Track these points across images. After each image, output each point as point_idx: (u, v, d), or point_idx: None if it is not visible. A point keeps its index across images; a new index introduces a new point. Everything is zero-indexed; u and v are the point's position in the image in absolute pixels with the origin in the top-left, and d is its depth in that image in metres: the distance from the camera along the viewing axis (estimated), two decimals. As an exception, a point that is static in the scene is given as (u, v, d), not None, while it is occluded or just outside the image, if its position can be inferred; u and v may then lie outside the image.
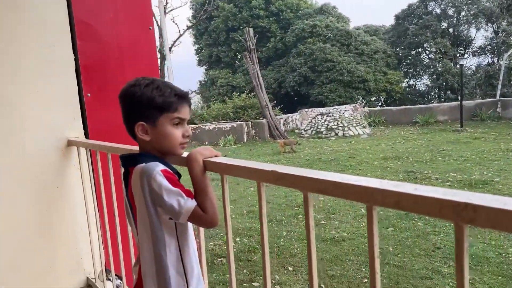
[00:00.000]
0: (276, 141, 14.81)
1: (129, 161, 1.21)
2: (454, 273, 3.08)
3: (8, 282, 2.04)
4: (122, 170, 1.24)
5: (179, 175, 1.18)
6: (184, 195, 1.08)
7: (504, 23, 26.45)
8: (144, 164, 1.13)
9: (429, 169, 8.52)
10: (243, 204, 7.02)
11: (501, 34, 26.73)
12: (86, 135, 2.23)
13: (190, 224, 1.22)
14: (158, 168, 1.11)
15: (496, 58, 26.27)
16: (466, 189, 6.81)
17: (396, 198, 0.65)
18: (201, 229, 1.33)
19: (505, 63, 17.85)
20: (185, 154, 1.19)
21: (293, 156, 11.92)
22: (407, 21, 28.40)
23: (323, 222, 5.83)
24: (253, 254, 4.81)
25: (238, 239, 5.29)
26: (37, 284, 2.12)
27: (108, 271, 2.23)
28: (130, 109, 1.19)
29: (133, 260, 1.62)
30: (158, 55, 27.68)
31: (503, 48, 22.59)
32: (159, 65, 27.62)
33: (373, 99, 27.98)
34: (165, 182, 1.08)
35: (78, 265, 2.24)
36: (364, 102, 26.51)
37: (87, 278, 2.27)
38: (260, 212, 0.99)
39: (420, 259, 4.42)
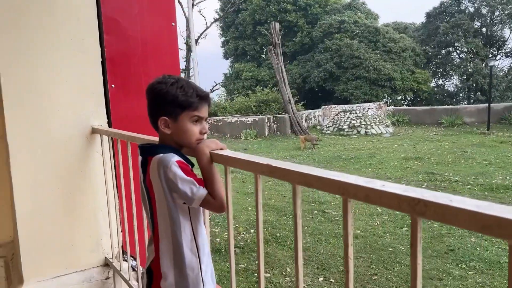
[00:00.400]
0: (298, 136, 14.85)
1: (147, 150, 1.34)
2: (465, 276, 3.11)
3: (35, 257, 2.21)
4: (140, 158, 1.37)
5: (192, 165, 1.31)
6: (196, 183, 1.23)
7: (541, 24, 25.53)
8: (161, 154, 1.26)
9: (451, 171, 8.42)
10: (264, 196, 7.13)
11: (537, 35, 25.81)
12: (109, 124, 2.38)
13: (202, 209, 1.35)
14: (174, 159, 1.24)
15: (531, 60, 25.40)
16: (486, 193, 6.72)
17: (366, 193, 0.74)
18: (207, 216, 1.45)
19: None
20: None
21: (313, 153, 11.96)
22: (439, 19, 27.73)
23: (338, 219, 5.89)
24: (266, 245, 4.92)
25: (252, 231, 5.42)
26: (60, 260, 2.29)
27: (124, 252, 2.38)
28: (155, 103, 1.32)
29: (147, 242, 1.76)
30: (185, 46, 28.00)
31: (538, 50, 21.80)
32: (184, 57, 27.97)
33: (399, 98, 27.58)
34: (179, 172, 1.22)
35: (97, 245, 2.40)
36: (390, 101, 26.16)
37: (105, 257, 2.43)
38: (257, 202, 1.10)
39: (432, 260, 4.44)
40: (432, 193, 0.65)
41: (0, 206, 2.32)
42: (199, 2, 27.13)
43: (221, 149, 1.27)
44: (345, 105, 18.85)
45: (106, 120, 2.38)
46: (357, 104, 19.11)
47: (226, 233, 5.36)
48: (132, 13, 2.38)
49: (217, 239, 5.14)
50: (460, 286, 3.78)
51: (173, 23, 2.55)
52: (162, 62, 2.52)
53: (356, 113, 16.91)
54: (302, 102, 20.41)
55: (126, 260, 2.38)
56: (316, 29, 27.52)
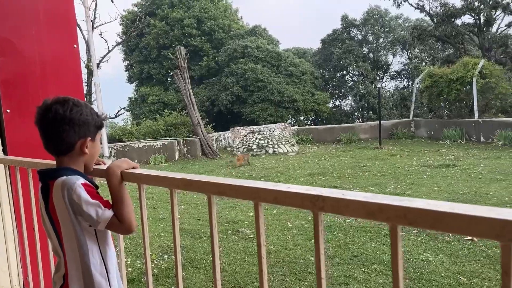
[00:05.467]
0: (234, 155, 15.04)
1: (48, 174, 1.30)
2: (368, 278, 3.38)
3: None
4: (40, 184, 1.32)
5: (97, 187, 1.29)
6: (102, 206, 1.21)
7: (416, 50, 29.25)
8: (65, 177, 1.23)
9: (351, 184, 9.11)
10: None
11: (414, 60, 29.49)
12: (5, 151, 2.20)
13: (110, 232, 1.33)
14: (78, 181, 1.22)
15: (411, 82, 28.83)
16: (382, 201, 7.40)
17: (274, 195, 0.83)
18: (121, 237, 1.43)
19: (416, 87, 19.66)
20: (104, 166, 1.30)
21: (224, 174, 12.08)
22: (332, 45, 30.23)
23: (251, 236, 6.00)
24: (182, 270, 4.83)
25: (166, 256, 5.28)
26: None
27: (26, 290, 2.19)
28: (71, 125, 1.29)
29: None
30: (85, 70, 26.62)
31: (415, 73, 24.89)
32: (85, 81, 26.56)
33: (302, 118, 29.22)
34: (84, 194, 1.20)
35: (-7, 285, 2.17)
36: (294, 121, 27.61)
37: (3, 298, 2.20)
38: (173, 216, 1.13)
39: (339, 267, 4.74)
40: (329, 190, 0.76)
41: None
42: (100, 25, 26.19)
43: (133, 168, 1.28)
44: (253, 126, 19.45)
45: (1, 147, 2.21)
46: (264, 125, 19.83)
47: (138, 262, 5.15)
48: (29, 33, 2.27)
49: (128, 269, 4.91)
50: (365, 288, 4.10)
51: (74, 45, 2.48)
52: (64, 84, 2.42)
53: (263, 133, 17.52)
54: (211, 125, 20.58)
55: (28, 299, 2.18)
56: (221, 53, 28.18)
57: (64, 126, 1.29)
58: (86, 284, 1.25)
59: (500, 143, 13.49)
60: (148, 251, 1.29)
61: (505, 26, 22.49)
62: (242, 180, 0.91)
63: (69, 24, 2.46)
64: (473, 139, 14.99)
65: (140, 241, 5.95)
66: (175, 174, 1.09)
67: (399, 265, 0.67)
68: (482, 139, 14.59)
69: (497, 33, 22.60)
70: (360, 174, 10.30)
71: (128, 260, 5.22)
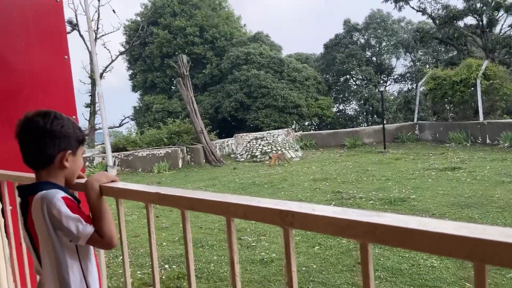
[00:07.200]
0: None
1: (27, 190, 1.26)
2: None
3: None
4: (19, 200, 1.28)
5: (78, 201, 1.25)
6: (83, 221, 1.17)
7: (420, 53, 29.15)
8: (44, 191, 1.20)
9: (355, 189, 9.03)
10: (176, 231, 6.95)
11: (418, 63, 29.37)
12: (-6, 165, 2.18)
13: (92, 247, 1.29)
14: (58, 195, 1.18)
15: (415, 85, 28.73)
16: (386, 206, 7.32)
17: (244, 210, 0.78)
18: (101, 251, 1.39)
19: (420, 89, 19.55)
20: (82, 180, 1.26)
21: (228, 180, 12.03)
22: (335, 50, 30.23)
23: (254, 244, 5.94)
24: (182, 280, 4.78)
25: (167, 266, 5.24)
26: None
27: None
28: (51, 138, 1.26)
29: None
30: (89, 80, 26.79)
31: (419, 75, 24.78)
32: (89, 91, 26.69)
33: (306, 123, 29.20)
34: (64, 208, 1.16)
35: (-16, 301, 2.14)
36: (298, 126, 27.56)
37: (-5, 314, 2.17)
38: (149, 231, 1.09)
39: (342, 274, 4.66)
40: (298, 204, 0.71)
41: None
42: (102, 35, 26.41)
43: (112, 181, 1.24)
44: (257, 133, 19.42)
45: (-9, 161, 2.19)
46: (268, 131, 19.80)
47: (138, 272, 5.11)
48: (18, 46, 2.26)
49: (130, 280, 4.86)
50: (368, 295, 4.02)
51: (65, 57, 2.46)
52: (55, 96, 2.40)
53: (267, 139, 17.47)
54: (215, 132, 20.58)
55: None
56: (224, 60, 28.27)
57: (44, 138, 1.26)
58: None
59: (506, 144, 13.34)
60: (127, 267, 1.26)
61: (508, 26, 22.37)
62: (215, 194, 0.87)
63: (59, 35, 2.44)
64: (479, 141, 14.84)
65: (141, 251, 5.92)
66: (151, 187, 1.05)
67: (371, 286, 0.63)
68: (488, 141, 14.44)
69: (500, 34, 22.47)
70: (364, 178, 10.21)
71: (130, 270, 5.18)
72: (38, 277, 1.38)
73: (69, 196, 1.22)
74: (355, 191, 8.72)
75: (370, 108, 29.40)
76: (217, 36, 29.32)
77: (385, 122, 18.82)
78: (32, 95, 2.29)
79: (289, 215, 0.70)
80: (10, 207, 2.00)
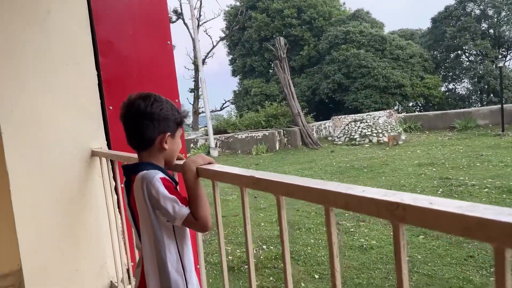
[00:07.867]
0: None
1: (131, 169, 1.32)
2: (487, 283, 2.99)
3: (39, 286, 2.19)
4: (124, 179, 1.35)
5: (176, 183, 1.28)
6: (179, 202, 1.19)
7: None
8: (145, 171, 1.24)
9: (466, 175, 8.22)
10: (273, 212, 7.05)
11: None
12: (109, 146, 2.37)
13: (188, 229, 1.32)
14: (158, 175, 1.22)
15: (542, 58, 25.03)
16: (505, 196, 6.53)
17: (346, 200, 0.70)
18: (199, 234, 1.41)
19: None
20: (181, 162, 1.28)
21: (325, 164, 11.85)
22: (444, 23, 27.60)
23: (352, 230, 5.77)
24: (279, 261, 4.83)
25: (264, 247, 5.34)
26: (65, 286, 2.26)
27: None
28: (151, 121, 1.30)
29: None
30: (193, 66, 28.32)
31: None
32: (192, 77, 28.25)
33: (410, 104, 27.31)
34: (162, 189, 1.19)
35: (102, 269, 2.36)
36: (401, 108, 25.93)
37: (111, 281, 2.39)
38: (244, 215, 1.05)
39: (451, 268, 4.29)
40: (411, 196, 0.60)
41: (6, 234, 2.31)
42: (204, 22, 27.57)
43: (209, 163, 1.23)
44: (356, 115, 18.73)
45: (105, 142, 2.38)
46: (367, 113, 18.96)
47: (238, 250, 5.29)
48: (126, 34, 2.40)
49: (229, 257, 5.07)
50: (482, 294, 3.63)
51: (168, 42, 2.56)
52: (159, 81, 2.52)
53: (366, 122, 16.78)
54: (312, 114, 20.36)
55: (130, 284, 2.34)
56: (322, 41, 27.61)
57: (144, 120, 1.30)
58: (162, 282, 1.25)
59: None
60: (223, 250, 1.25)
61: None
62: (313, 180, 0.79)
63: (162, 22, 2.54)
64: None
65: (240, 230, 6.11)
66: (246, 171, 1.01)
67: (509, 301, 0.50)
68: None
69: None
70: (478, 164, 9.24)
71: (229, 248, 5.40)
72: (137, 253, 1.48)
73: (167, 177, 1.25)
74: (466, 178, 7.94)
75: (486, 87, 26.38)
76: (315, 16, 28.67)
77: (504, 102, 16.74)
78: (139, 80, 2.43)
79: (400, 208, 0.60)
80: (122, 185, 2.15)
